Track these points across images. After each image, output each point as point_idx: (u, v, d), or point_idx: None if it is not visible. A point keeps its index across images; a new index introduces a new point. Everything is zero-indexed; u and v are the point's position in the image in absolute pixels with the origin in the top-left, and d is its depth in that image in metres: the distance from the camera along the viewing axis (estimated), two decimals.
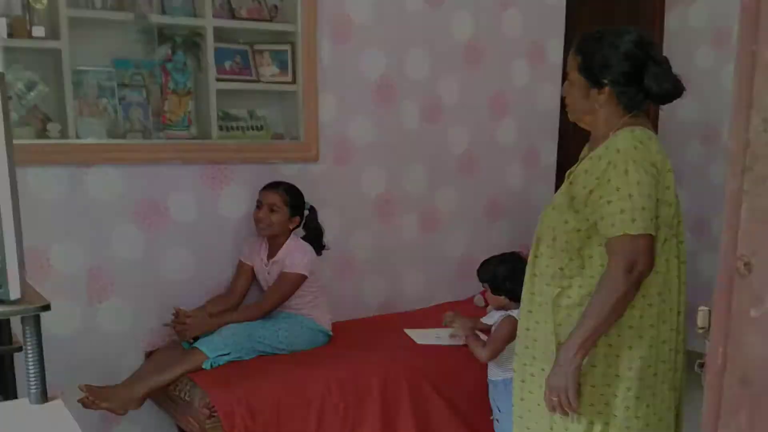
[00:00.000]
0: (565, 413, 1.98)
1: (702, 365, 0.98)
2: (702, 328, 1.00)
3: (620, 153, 1.92)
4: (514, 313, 2.78)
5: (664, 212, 1.96)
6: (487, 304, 3.41)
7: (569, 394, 1.92)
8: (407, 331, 3.33)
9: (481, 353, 2.87)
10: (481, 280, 2.96)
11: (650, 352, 1.99)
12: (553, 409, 1.98)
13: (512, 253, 3.07)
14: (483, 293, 3.50)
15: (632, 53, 1.96)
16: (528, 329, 2.14)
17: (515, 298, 2.76)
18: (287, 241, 3.13)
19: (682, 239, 2.07)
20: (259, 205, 3.11)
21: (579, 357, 1.91)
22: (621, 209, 1.87)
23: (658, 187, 1.92)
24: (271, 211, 3.08)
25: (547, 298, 2.05)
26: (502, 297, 2.91)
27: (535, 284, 2.11)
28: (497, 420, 2.92)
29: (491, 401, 2.97)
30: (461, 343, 3.06)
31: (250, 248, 3.22)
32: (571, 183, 2.04)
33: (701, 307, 1.02)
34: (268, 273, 3.15)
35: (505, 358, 2.82)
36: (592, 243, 1.98)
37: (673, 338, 2.05)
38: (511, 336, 2.66)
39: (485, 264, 2.99)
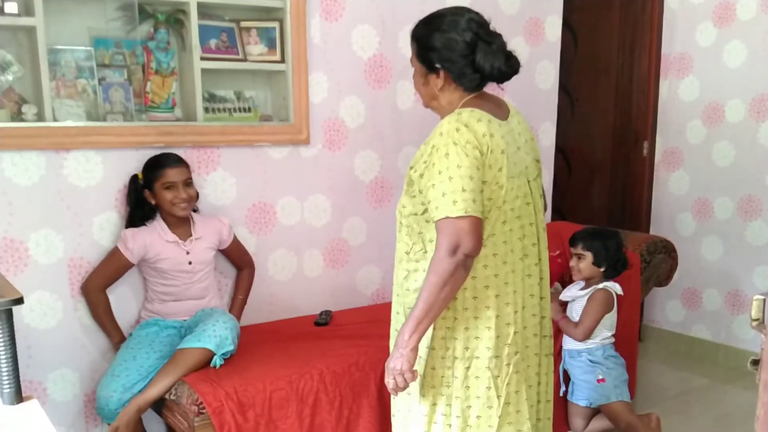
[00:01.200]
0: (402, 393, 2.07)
1: (756, 362, 0.85)
2: (756, 319, 0.87)
3: (442, 136, 1.94)
4: (602, 285, 3.05)
5: (495, 194, 1.97)
6: None
7: (405, 376, 1.96)
8: None
9: (576, 333, 3.05)
10: (587, 248, 3.08)
11: (488, 333, 2.02)
12: (393, 390, 2.02)
13: (614, 230, 3.25)
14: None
15: (462, 35, 1.98)
16: (398, 312, 2.18)
17: (614, 272, 3.07)
18: (191, 214, 2.98)
19: (532, 221, 2.10)
20: (172, 186, 2.84)
21: (413, 339, 1.94)
22: (443, 192, 1.89)
23: (484, 169, 1.93)
24: (187, 185, 2.89)
25: (400, 282, 2.13)
26: (601, 269, 3.06)
27: (396, 269, 2.17)
28: (571, 389, 3.15)
29: (564, 371, 3.17)
30: None
31: (140, 240, 2.84)
32: (410, 168, 2.06)
33: (756, 296, 0.89)
34: (188, 252, 2.90)
35: None
36: (431, 227, 2.00)
37: (519, 321, 2.08)
38: (605, 309, 3.03)
39: (591, 234, 3.13)
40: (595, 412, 3.19)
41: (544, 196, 2.31)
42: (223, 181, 3.17)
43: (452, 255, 1.88)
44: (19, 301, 1.74)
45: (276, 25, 3.23)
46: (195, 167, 3.08)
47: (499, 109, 2.07)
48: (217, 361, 2.65)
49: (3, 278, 1.96)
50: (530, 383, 2.14)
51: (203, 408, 2.46)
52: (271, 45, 3.23)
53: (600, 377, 3.03)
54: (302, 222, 3.42)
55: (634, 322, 3.42)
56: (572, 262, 3.12)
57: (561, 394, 3.23)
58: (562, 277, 3.57)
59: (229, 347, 2.70)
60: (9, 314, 1.74)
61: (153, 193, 2.86)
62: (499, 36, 2.03)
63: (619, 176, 4.88)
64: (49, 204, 2.78)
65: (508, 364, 2.05)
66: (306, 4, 3.21)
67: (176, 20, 3.03)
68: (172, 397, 2.59)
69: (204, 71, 3.04)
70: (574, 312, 3.10)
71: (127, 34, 2.97)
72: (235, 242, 3.12)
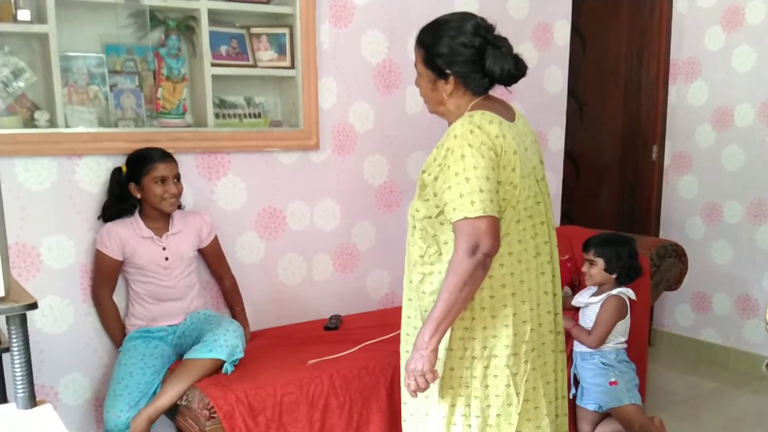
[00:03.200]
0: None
1: None
2: None
3: (457, 138, 1.95)
4: (615, 291, 3.04)
5: (510, 194, 1.99)
6: None
7: (426, 377, 1.97)
8: None
9: (589, 341, 3.05)
10: (598, 255, 3.06)
11: (506, 332, 2.03)
12: (413, 392, 2.03)
13: (629, 236, 3.24)
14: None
15: (470, 40, 2.01)
16: (409, 317, 2.18)
17: (626, 279, 3.07)
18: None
19: (543, 220, 2.12)
20: (163, 180, 2.78)
21: (434, 340, 1.95)
22: (460, 193, 1.90)
23: (498, 170, 1.95)
24: (176, 180, 2.86)
25: (415, 285, 2.13)
26: (614, 276, 3.05)
27: (409, 272, 2.18)
28: (580, 393, 3.15)
29: (574, 374, 3.15)
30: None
31: (115, 235, 2.80)
32: (423, 172, 2.07)
33: None
34: (164, 248, 2.85)
35: None
36: (446, 229, 2.02)
37: (535, 318, 2.09)
38: (619, 316, 3.03)
39: (604, 241, 3.12)
40: (602, 417, 3.18)
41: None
42: (234, 186, 3.18)
43: (472, 255, 1.89)
44: (33, 306, 1.75)
45: (286, 31, 3.24)
46: (206, 173, 3.09)
47: (507, 111, 2.09)
48: (228, 368, 2.65)
49: (16, 283, 1.97)
50: (547, 379, 2.15)
51: (214, 412, 2.47)
52: (281, 51, 3.25)
53: (612, 380, 3.03)
54: (312, 227, 3.43)
55: (643, 327, 3.41)
56: (584, 268, 3.12)
57: (571, 397, 3.23)
58: (571, 281, 3.57)
59: (240, 355, 2.70)
60: (23, 319, 1.75)
61: (140, 187, 2.79)
62: (506, 39, 2.05)
63: (628, 180, 4.87)
64: (61, 209, 2.80)
65: (526, 362, 2.06)
66: (315, 10, 3.22)
67: (187, 27, 3.05)
68: (183, 402, 2.60)
69: (214, 77, 3.05)
70: (587, 318, 3.10)
71: (139, 41, 2.99)
72: (215, 244, 3.06)
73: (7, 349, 1.83)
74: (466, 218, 1.89)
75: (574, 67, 4.33)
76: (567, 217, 4.77)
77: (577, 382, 3.19)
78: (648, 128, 4.68)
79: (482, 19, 2.07)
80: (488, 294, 2.02)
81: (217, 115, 3.15)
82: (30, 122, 2.76)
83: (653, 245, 3.64)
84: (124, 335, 2.91)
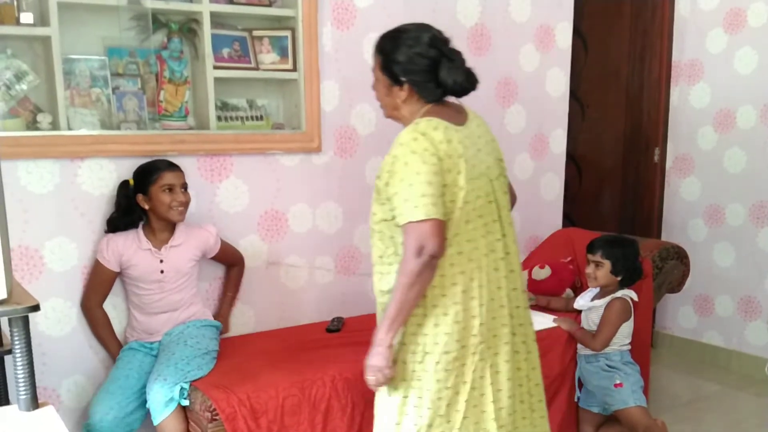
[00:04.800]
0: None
1: None
2: None
3: (402, 146, 2.05)
4: (619, 294, 3.06)
5: (456, 195, 2.06)
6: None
7: (384, 373, 2.10)
8: None
9: (594, 344, 3.06)
10: (606, 256, 3.07)
11: (455, 327, 2.10)
12: (374, 387, 2.17)
13: (632, 238, 3.26)
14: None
15: (426, 51, 2.11)
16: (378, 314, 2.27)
17: (629, 281, 3.09)
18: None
19: (496, 218, 2.18)
20: (171, 188, 2.79)
21: (389, 337, 2.08)
22: (405, 198, 2.01)
23: (443, 174, 2.03)
24: (183, 190, 2.86)
25: (376, 284, 2.24)
26: (618, 278, 3.07)
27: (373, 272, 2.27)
28: (584, 395, 3.20)
29: (578, 376, 3.19)
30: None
31: (113, 247, 2.81)
32: (378, 177, 2.15)
33: None
34: (162, 261, 2.83)
35: None
36: (401, 231, 2.08)
37: (484, 313, 2.13)
38: (624, 318, 3.06)
39: (611, 242, 3.13)
40: (604, 419, 3.18)
41: (512, 192, 2.42)
42: (236, 189, 3.19)
43: (418, 256, 1.98)
44: (36, 308, 1.75)
45: (288, 34, 3.24)
46: (208, 175, 3.10)
47: (458, 115, 2.18)
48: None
49: (19, 286, 1.97)
50: (497, 369, 2.19)
51: (216, 414, 2.47)
52: (283, 54, 3.26)
53: (617, 381, 3.02)
54: (314, 229, 3.44)
55: (646, 329, 3.41)
56: (589, 269, 3.11)
57: (576, 400, 3.23)
58: (573, 283, 3.57)
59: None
60: (26, 321, 1.75)
61: (148, 197, 2.79)
62: (460, 53, 2.16)
63: (630, 182, 4.87)
64: (64, 212, 2.80)
65: (474, 353, 2.13)
66: (318, 13, 3.23)
67: (189, 29, 3.05)
68: (185, 404, 2.60)
69: (217, 80, 3.05)
70: (591, 321, 3.10)
71: (141, 44, 3.00)
72: (224, 247, 3.06)
73: (10, 351, 1.83)
74: (411, 222, 1.99)
75: (576, 70, 4.33)
76: (569, 219, 4.76)
77: (581, 385, 3.19)
78: (650, 130, 4.68)
79: (439, 31, 2.18)
80: (440, 292, 2.10)
81: (219, 118, 3.16)
82: (33, 125, 2.76)
83: (655, 247, 3.64)
84: (118, 344, 2.91)
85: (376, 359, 2.11)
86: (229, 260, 3.16)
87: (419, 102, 2.17)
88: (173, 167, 2.85)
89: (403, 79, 2.14)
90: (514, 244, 2.26)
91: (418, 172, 2.00)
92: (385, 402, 2.24)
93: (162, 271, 2.84)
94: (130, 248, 2.82)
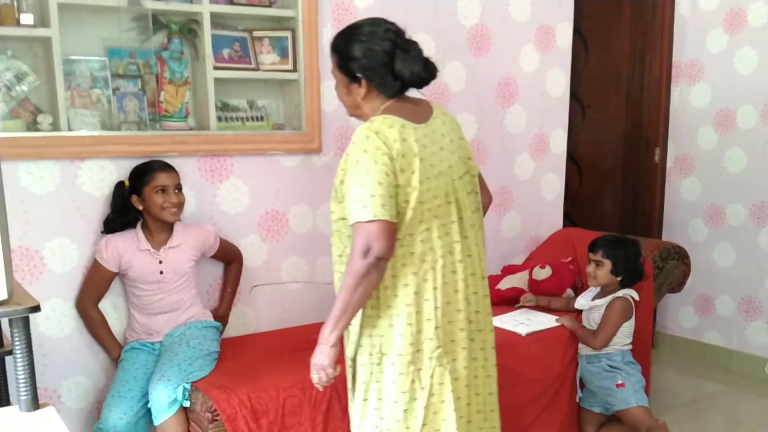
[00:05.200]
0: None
1: None
2: None
3: (354, 144, 2.03)
4: (621, 293, 3.06)
5: (410, 196, 2.03)
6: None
7: (327, 372, 2.10)
8: None
9: (594, 342, 3.06)
10: (607, 256, 3.07)
11: (408, 329, 2.07)
12: (318, 385, 2.16)
13: (634, 238, 3.25)
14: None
15: (380, 45, 2.09)
16: None
17: (630, 282, 3.09)
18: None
19: (455, 219, 2.13)
20: (164, 189, 2.78)
21: (333, 336, 2.07)
22: (354, 198, 1.99)
23: (396, 174, 2.00)
24: (177, 191, 2.85)
25: (335, 283, 2.21)
26: (619, 278, 3.07)
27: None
28: (585, 395, 3.20)
29: (579, 377, 3.19)
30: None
31: (112, 247, 2.81)
32: (336, 176, 2.13)
33: None
34: (161, 261, 2.82)
35: None
36: None
37: (440, 316, 2.10)
38: (625, 318, 3.06)
39: (613, 242, 3.13)
40: (605, 419, 3.18)
41: (485, 191, 2.37)
42: (236, 189, 3.19)
43: (364, 257, 1.96)
44: (36, 308, 1.75)
45: (288, 34, 3.24)
46: (208, 176, 3.10)
47: (420, 112, 2.15)
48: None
49: (19, 286, 1.97)
50: (456, 376, 2.15)
51: (217, 415, 2.47)
52: (283, 54, 3.26)
53: (619, 382, 3.02)
54: (314, 229, 3.44)
55: (647, 329, 3.41)
56: (589, 269, 3.11)
57: (577, 400, 3.23)
58: (574, 283, 3.57)
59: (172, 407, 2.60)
60: (26, 322, 1.75)
61: (141, 198, 2.79)
62: (416, 44, 2.15)
63: (631, 183, 4.87)
64: (64, 213, 2.80)
65: (430, 358, 2.10)
66: (318, 13, 3.23)
67: (189, 30, 3.06)
68: (186, 404, 2.60)
69: (217, 80, 3.05)
70: (592, 321, 3.10)
71: (141, 44, 3.00)
72: (222, 245, 3.06)
73: (10, 352, 1.83)
74: (359, 222, 1.97)
75: (576, 70, 4.33)
76: (569, 219, 4.76)
77: (582, 385, 3.19)
78: (650, 130, 4.68)
79: (393, 24, 2.16)
80: (392, 293, 2.08)
81: (219, 118, 3.16)
82: (33, 126, 2.76)
83: (656, 247, 3.64)
84: (117, 344, 2.91)
85: (319, 357, 2.11)
86: (228, 257, 3.15)
87: (379, 98, 2.15)
88: (167, 168, 2.84)
89: (359, 75, 2.12)
90: (477, 246, 2.21)
91: (368, 171, 1.97)
92: (351, 405, 2.24)
93: (161, 272, 2.84)
94: (129, 249, 2.81)
